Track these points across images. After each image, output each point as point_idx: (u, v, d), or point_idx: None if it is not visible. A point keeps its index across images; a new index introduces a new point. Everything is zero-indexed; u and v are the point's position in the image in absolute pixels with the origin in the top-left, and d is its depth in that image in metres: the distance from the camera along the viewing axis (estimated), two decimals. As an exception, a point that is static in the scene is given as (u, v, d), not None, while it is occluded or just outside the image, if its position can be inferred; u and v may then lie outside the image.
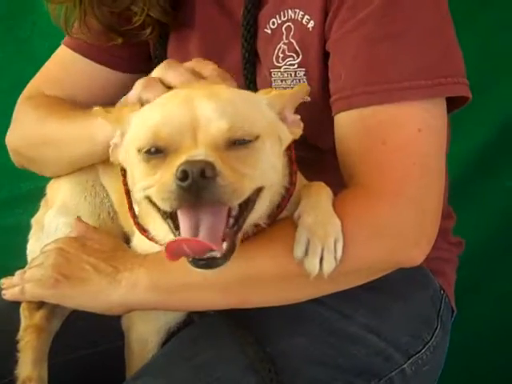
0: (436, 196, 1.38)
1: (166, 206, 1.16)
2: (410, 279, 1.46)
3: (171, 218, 1.20)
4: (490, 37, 2.24)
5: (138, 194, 1.25)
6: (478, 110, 1.76)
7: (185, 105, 1.22)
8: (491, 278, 2.40)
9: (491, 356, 2.40)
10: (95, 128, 1.50)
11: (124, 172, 1.39)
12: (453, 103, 1.42)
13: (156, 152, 1.19)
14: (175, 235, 1.20)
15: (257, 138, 1.21)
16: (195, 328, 1.49)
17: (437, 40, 1.40)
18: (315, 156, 1.52)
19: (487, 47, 2.22)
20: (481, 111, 1.45)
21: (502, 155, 2.33)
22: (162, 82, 1.37)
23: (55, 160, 1.69)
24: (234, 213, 1.19)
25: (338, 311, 1.47)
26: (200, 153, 1.15)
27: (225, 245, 1.17)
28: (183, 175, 1.10)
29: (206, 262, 1.16)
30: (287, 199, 1.34)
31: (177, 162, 1.13)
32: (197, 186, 1.11)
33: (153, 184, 1.18)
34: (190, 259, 1.17)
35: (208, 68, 1.40)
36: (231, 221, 1.19)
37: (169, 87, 1.36)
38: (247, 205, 1.21)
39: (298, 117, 1.34)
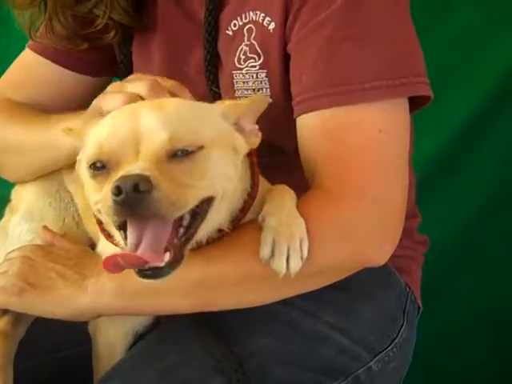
0: (399, 196, 1.39)
1: (110, 220, 1.17)
2: (375, 277, 1.47)
3: (123, 229, 1.20)
4: (452, 37, 2.27)
5: (92, 208, 1.26)
6: (441, 109, 1.78)
7: (130, 118, 1.23)
8: (456, 275, 2.44)
9: (457, 352, 2.43)
10: (57, 135, 1.49)
11: None
12: (415, 103, 1.43)
13: (102, 167, 1.20)
14: (125, 245, 1.20)
15: (201, 148, 1.20)
16: (161, 330, 1.49)
17: (397, 40, 1.40)
18: (280, 158, 1.53)
19: (449, 47, 2.25)
20: (444, 110, 1.46)
21: (465, 153, 2.36)
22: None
23: (16, 166, 1.67)
24: (184, 223, 1.20)
25: (305, 310, 1.47)
26: (136, 167, 1.15)
27: (167, 256, 1.16)
28: (117, 190, 1.11)
29: (150, 273, 1.16)
30: (250, 203, 1.35)
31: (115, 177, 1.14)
32: (130, 201, 1.11)
33: (100, 199, 1.19)
34: (136, 270, 1.17)
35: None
36: (181, 230, 1.20)
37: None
38: (198, 214, 1.21)
39: (256, 126, 1.34)
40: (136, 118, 1.22)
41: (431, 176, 2.33)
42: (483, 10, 2.26)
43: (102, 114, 1.37)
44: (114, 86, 1.44)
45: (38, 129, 1.59)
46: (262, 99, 1.36)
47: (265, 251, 1.27)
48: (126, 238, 1.19)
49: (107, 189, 1.15)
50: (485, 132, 2.34)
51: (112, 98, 1.37)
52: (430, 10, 2.18)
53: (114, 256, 1.16)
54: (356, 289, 1.47)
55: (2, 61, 1.88)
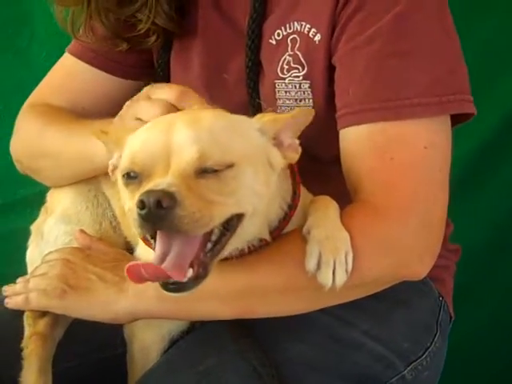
0: (441, 211, 1.41)
1: (137, 232, 1.18)
2: (410, 287, 1.47)
3: (154, 238, 1.20)
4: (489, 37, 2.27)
5: (127, 214, 1.27)
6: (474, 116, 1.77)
7: (163, 131, 1.23)
8: (487, 283, 2.43)
9: (488, 360, 2.43)
10: (95, 147, 1.49)
11: None
12: (456, 118, 1.44)
13: (134, 177, 1.21)
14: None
15: (230, 166, 1.20)
16: (197, 334, 1.50)
17: (444, 57, 1.41)
18: (317, 167, 1.53)
19: (483, 52, 2.25)
20: (477, 117, 1.47)
21: (495, 160, 2.36)
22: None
23: (54, 172, 1.69)
24: (213, 237, 1.20)
25: (341, 318, 1.48)
26: (164, 182, 1.15)
27: (190, 272, 1.17)
28: (141, 205, 1.12)
29: (173, 287, 1.18)
30: (292, 213, 1.35)
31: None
32: (153, 216, 1.12)
33: (131, 208, 1.20)
34: (160, 282, 1.18)
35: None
36: (209, 245, 1.20)
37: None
38: (227, 230, 1.21)
39: (297, 141, 1.33)
40: (169, 132, 1.22)
41: (460, 184, 2.32)
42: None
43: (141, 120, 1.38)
44: (144, 93, 1.44)
45: (76, 138, 1.60)
46: (306, 112, 1.34)
47: (311, 263, 1.27)
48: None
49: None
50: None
51: (147, 106, 1.39)
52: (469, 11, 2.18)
53: (138, 265, 1.17)
54: (391, 297, 1.47)
55: (24, 57, 1.87)
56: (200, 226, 1.15)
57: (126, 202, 1.24)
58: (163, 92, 1.40)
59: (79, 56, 1.77)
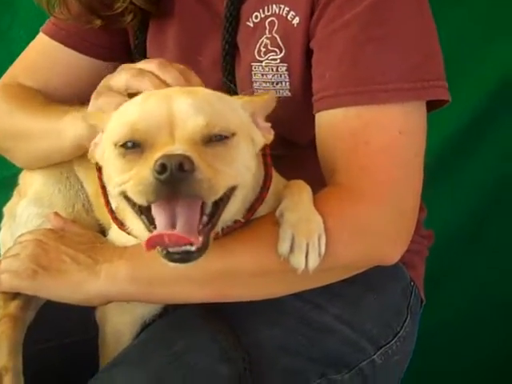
0: (414, 197, 1.42)
1: (141, 200, 1.16)
2: (382, 271, 1.47)
3: (145, 214, 1.21)
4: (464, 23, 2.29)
5: (113, 190, 1.26)
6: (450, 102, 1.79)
7: (163, 101, 1.23)
8: (458, 268, 2.46)
9: (458, 346, 2.46)
10: (64, 125, 1.50)
11: (99, 167, 1.39)
12: (431, 104, 1.45)
13: (132, 147, 1.20)
14: (150, 230, 1.21)
15: (233, 134, 1.23)
16: (169, 317, 1.49)
17: (421, 43, 1.42)
18: (293, 152, 1.53)
19: (456, 41, 2.26)
20: (452, 103, 1.49)
21: (469, 148, 2.38)
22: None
23: (24, 153, 1.68)
24: (207, 210, 1.20)
25: (312, 302, 1.49)
26: (178, 148, 1.15)
27: (200, 239, 1.18)
28: (161, 168, 1.11)
29: (180, 256, 1.17)
30: (264, 194, 1.35)
31: (154, 157, 1.14)
32: (174, 179, 1.11)
33: (128, 179, 1.19)
34: (164, 252, 1.18)
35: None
36: (205, 218, 1.20)
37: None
38: (220, 202, 1.22)
39: (269, 124, 1.35)
40: (169, 101, 1.22)
41: (435, 169, 2.33)
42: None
43: (112, 90, 1.38)
44: (123, 66, 1.43)
45: (46, 117, 1.59)
46: (273, 98, 1.37)
47: (284, 247, 1.28)
48: (149, 223, 1.20)
49: (142, 168, 1.16)
50: (489, 127, 2.36)
51: (120, 73, 1.38)
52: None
53: (162, 234, 1.16)
54: (363, 281, 1.48)
55: (5, 40, 1.86)
56: (213, 192, 1.17)
57: (116, 176, 1.23)
58: (142, 64, 1.39)
59: (52, 35, 1.76)
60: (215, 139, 1.20)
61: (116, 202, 1.40)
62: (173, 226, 1.16)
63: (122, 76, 1.38)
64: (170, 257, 1.18)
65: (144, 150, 1.20)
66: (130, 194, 1.19)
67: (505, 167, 2.38)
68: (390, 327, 1.59)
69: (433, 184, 2.16)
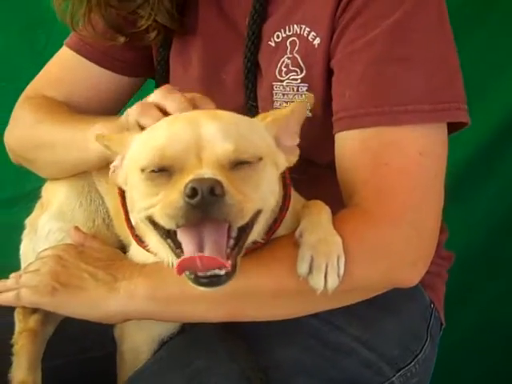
0: (434, 219, 1.41)
1: (170, 224, 1.16)
2: (402, 293, 1.46)
3: (171, 237, 1.21)
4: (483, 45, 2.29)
5: (138, 215, 1.27)
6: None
7: (189, 125, 1.24)
8: (479, 291, 2.44)
9: (478, 368, 2.44)
10: (89, 137, 1.50)
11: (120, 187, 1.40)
12: (450, 126, 1.44)
13: (160, 171, 1.20)
14: (176, 254, 1.21)
15: (260, 159, 1.23)
16: (187, 336, 1.49)
17: (442, 66, 1.42)
18: (312, 171, 1.52)
19: (477, 59, 2.26)
20: (470, 123, 1.49)
21: (487, 168, 2.37)
22: (158, 107, 1.37)
23: (48, 164, 1.69)
24: (233, 234, 1.20)
25: (331, 323, 1.48)
26: (207, 171, 1.16)
27: (230, 262, 1.18)
28: (192, 192, 1.12)
29: (209, 280, 1.18)
30: (283, 215, 1.35)
31: (183, 181, 1.15)
32: (205, 203, 1.12)
33: (155, 203, 1.19)
34: (193, 277, 1.18)
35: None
36: (231, 242, 1.20)
37: (164, 113, 1.36)
38: (246, 226, 1.21)
39: (296, 142, 1.35)
40: (197, 126, 1.23)
41: (455, 189, 2.32)
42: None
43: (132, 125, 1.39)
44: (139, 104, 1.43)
45: (70, 128, 1.60)
46: (302, 105, 1.37)
47: (303, 267, 1.27)
48: (175, 246, 1.20)
49: (171, 192, 1.16)
50: (507, 146, 2.36)
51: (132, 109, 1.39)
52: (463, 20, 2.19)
53: (193, 258, 1.16)
54: (382, 303, 1.47)
55: (41, 60, 1.89)
56: (241, 216, 1.17)
57: (141, 200, 1.24)
58: (173, 101, 1.38)
59: (77, 50, 1.77)
60: (242, 164, 1.21)
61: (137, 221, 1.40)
62: (200, 250, 1.17)
63: (133, 114, 1.38)
64: (199, 281, 1.19)
65: (172, 174, 1.20)
66: (158, 219, 1.19)
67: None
68: (410, 349, 1.58)
69: (452, 205, 2.16)
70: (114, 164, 1.37)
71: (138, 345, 1.50)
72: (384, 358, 1.52)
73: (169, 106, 1.36)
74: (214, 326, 1.43)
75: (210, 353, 1.42)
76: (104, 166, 1.52)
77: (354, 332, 1.50)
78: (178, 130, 1.24)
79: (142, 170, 1.23)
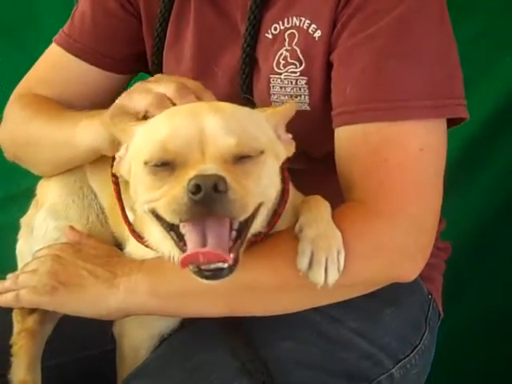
0: (433, 214, 1.42)
1: (174, 219, 1.17)
2: (400, 285, 1.46)
3: (174, 230, 1.22)
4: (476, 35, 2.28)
5: (141, 207, 1.27)
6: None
7: (192, 118, 1.23)
8: (476, 280, 2.45)
9: (476, 358, 2.44)
10: (76, 133, 1.51)
11: (116, 180, 1.40)
12: (449, 121, 1.44)
13: (163, 165, 1.20)
14: (179, 247, 1.22)
15: (261, 153, 1.23)
16: (187, 331, 1.50)
17: (442, 62, 1.42)
18: (309, 165, 1.54)
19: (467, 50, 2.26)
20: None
21: (482, 159, 2.37)
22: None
23: (39, 161, 1.68)
24: (235, 226, 1.21)
25: (329, 315, 1.48)
26: (211, 167, 1.16)
27: (232, 255, 1.18)
28: (196, 189, 1.12)
29: (212, 273, 1.18)
30: (283, 206, 1.35)
31: (186, 176, 1.15)
32: (209, 200, 1.12)
33: (159, 197, 1.20)
34: (196, 270, 1.19)
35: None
36: (234, 234, 1.20)
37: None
38: (248, 219, 1.22)
39: (290, 136, 1.35)
40: (199, 119, 1.22)
41: (450, 180, 2.32)
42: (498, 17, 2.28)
43: (128, 112, 1.38)
44: (139, 86, 1.43)
45: (58, 125, 1.59)
46: (293, 107, 1.37)
47: (303, 262, 1.28)
48: (178, 239, 1.21)
49: (174, 186, 1.17)
50: (501, 137, 2.36)
51: (140, 97, 1.38)
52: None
53: (197, 253, 1.17)
54: (380, 295, 1.47)
55: (31, 57, 1.88)
56: (244, 211, 1.18)
57: (144, 194, 1.24)
58: (161, 87, 1.39)
59: (66, 48, 1.76)
60: (246, 157, 1.21)
61: (134, 215, 1.40)
62: (204, 244, 1.17)
63: (142, 101, 1.37)
64: (202, 274, 1.19)
65: (175, 167, 1.20)
66: (162, 213, 1.20)
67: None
68: (409, 341, 1.58)
69: (448, 196, 2.16)
70: (118, 154, 1.36)
71: (137, 341, 1.50)
72: (383, 349, 1.52)
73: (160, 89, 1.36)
74: (214, 320, 1.43)
75: (210, 347, 1.42)
76: (98, 163, 1.53)
77: (353, 324, 1.50)
78: (180, 124, 1.24)
79: (145, 163, 1.23)
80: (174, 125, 1.24)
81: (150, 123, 1.30)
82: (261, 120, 1.31)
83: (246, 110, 1.32)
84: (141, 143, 1.28)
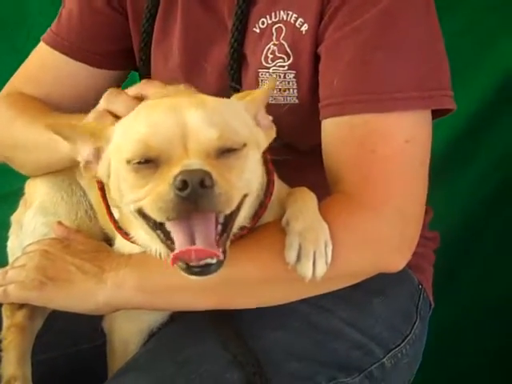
0: (419, 204, 1.43)
1: (161, 217, 1.17)
2: (389, 275, 1.47)
3: (160, 228, 1.21)
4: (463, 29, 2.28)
5: (126, 207, 1.26)
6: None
7: (172, 113, 1.22)
8: (464, 270, 2.45)
9: (467, 347, 2.45)
10: (59, 138, 1.48)
11: (101, 180, 1.38)
12: (434, 112, 1.45)
13: (146, 162, 1.20)
14: (166, 245, 1.22)
15: (244, 145, 1.23)
16: (177, 324, 1.50)
17: (428, 53, 1.42)
18: (295, 157, 1.52)
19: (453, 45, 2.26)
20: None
21: (469, 150, 2.38)
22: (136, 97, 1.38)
23: (25, 162, 1.68)
24: (220, 220, 1.20)
25: (319, 306, 1.48)
26: (195, 162, 1.16)
27: (221, 250, 1.18)
28: (182, 185, 1.12)
29: (200, 270, 1.18)
30: (268, 198, 1.35)
31: (171, 172, 1.14)
32: (195, 195, 1.12)
33: (144, 196, 1.19)
34: (185, 267, 1.19)
35: (153, 87, 1.41)
36: (219, 227, 1.20)
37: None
38: (233, 212, 1.22)
39: (271, 118, 1.35)
40: (180, 114, 1.21)
41: (438, 170, 2.33)
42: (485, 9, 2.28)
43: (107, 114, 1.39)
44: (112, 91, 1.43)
45: (41, 128, 1.55)
46: (271, 85, 1.38)
47: (291, 255, 1.28)
48: (165, 237, 1.21)
49: (159, 184, 1.16)
50: (488, 128, 2.36)
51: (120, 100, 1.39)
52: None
53: (189, 250, 1.17)
54: (369, 285, 1.47)
55: (21, 56, 1.87)
56: (229, 205, 1.18)
57: (129, 192, 1.23)
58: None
59: (54, 46, 1.76)
60: (227, 152, 1.21)
61: (119, 212, 1.40)
62: (192, 240, 1.17)
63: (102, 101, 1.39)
64: (191, 270, 1.19)
65: (158, 164, 1.19)
66: (149, 211, 1.19)
67: (503, 168, 2.37)
68: (399, 330, 1.59)
69: (436, 185, 2.17)
70: (84, 158, 1.34)
71: (127, 336, 1.50)
72: (373, 339, 1.52)
73: (116, 107, 1.37)
74: (204, 313, 1.43)
75: (200, 340, 1.42)
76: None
77: (343, 314, 1.50)
78: (161, 119, 1.22)
79: (128, 162, 1.21)
80: (153, 121, 1.23)
81: (128, 119, 1.29)
82: (240, 110, 1.30)
83: (225, 101, 1.32)
84: (120, 142, 1.27)
